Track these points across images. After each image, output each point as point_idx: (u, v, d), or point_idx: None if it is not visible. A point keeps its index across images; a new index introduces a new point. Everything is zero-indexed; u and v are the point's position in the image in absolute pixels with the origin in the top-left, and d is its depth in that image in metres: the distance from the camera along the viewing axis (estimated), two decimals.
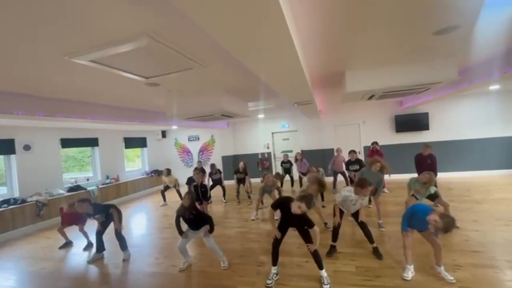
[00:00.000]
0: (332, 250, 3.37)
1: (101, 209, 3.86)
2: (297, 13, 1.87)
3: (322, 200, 5.80)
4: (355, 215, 3.36)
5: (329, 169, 6.70)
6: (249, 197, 6.74)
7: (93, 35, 1.92)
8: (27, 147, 5.98)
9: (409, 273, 2.71)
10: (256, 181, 7.79)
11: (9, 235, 5.30)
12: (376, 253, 3.22)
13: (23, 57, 2.26)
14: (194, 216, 3.24)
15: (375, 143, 6.37)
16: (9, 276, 3.61)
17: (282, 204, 2.79)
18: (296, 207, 2.56)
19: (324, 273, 2.73)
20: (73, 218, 4.36)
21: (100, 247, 3.91)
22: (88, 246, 4.42)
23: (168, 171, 7.41)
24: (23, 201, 5.67)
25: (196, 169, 6.24)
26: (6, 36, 1.84)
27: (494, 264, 2.84)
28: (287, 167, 7.42)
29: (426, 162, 5.09)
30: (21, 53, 2.17)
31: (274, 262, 2.90)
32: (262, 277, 2.97)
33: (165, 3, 1.10)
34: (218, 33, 1.49)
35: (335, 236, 3.36)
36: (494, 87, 5.90)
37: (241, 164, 6.80)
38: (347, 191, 3.21)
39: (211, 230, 3.24)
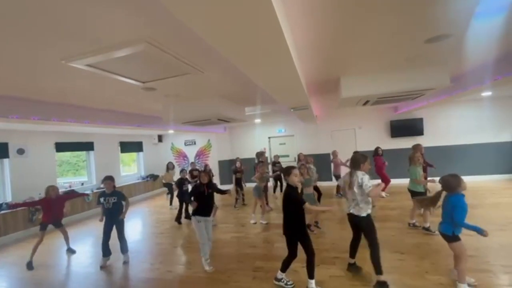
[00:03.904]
0: (352, 268, 3.05)
1: (117, 193, 4.00)
2: (293, 21, 1.91)
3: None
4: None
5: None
6: (243, 200, 6.81)
7: (90, 40, 1.93)
8: (21, 151, 5.90)
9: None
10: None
11: (0, 241, 5.18)
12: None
13: (20, 61, 2.26)
14: (211, 191, 3.59)
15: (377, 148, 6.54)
16: None
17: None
18: (294, 177, 2.66)
19: (313, 283, 2.65)
20: (58, 205, 4.21)
21: (107, 251, 3.82)
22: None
23: (171, 166, 7.36)
24: None
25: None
26: (2, 40, 1.84)
27: (488, 269, 2.87)
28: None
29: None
30: (18, 57, 2.17)
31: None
32: (258, 282, 2.95)
33: (163, 9, 1.12)
34: (216, 41, 1.50)
35: (352, 251, 3.06)
36: (487, 93, 6.01)
37: (237, 164, 6.76)
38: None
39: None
